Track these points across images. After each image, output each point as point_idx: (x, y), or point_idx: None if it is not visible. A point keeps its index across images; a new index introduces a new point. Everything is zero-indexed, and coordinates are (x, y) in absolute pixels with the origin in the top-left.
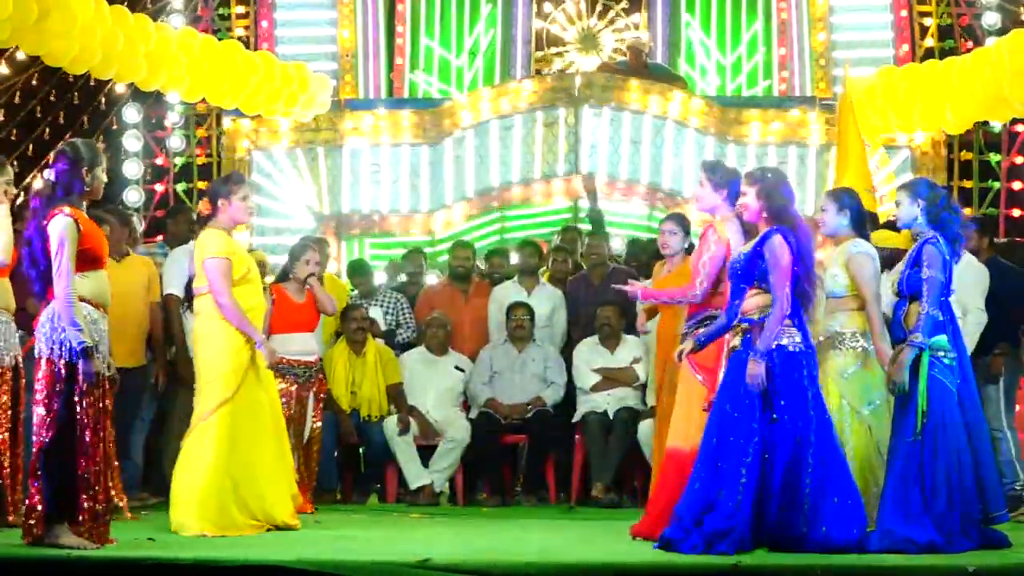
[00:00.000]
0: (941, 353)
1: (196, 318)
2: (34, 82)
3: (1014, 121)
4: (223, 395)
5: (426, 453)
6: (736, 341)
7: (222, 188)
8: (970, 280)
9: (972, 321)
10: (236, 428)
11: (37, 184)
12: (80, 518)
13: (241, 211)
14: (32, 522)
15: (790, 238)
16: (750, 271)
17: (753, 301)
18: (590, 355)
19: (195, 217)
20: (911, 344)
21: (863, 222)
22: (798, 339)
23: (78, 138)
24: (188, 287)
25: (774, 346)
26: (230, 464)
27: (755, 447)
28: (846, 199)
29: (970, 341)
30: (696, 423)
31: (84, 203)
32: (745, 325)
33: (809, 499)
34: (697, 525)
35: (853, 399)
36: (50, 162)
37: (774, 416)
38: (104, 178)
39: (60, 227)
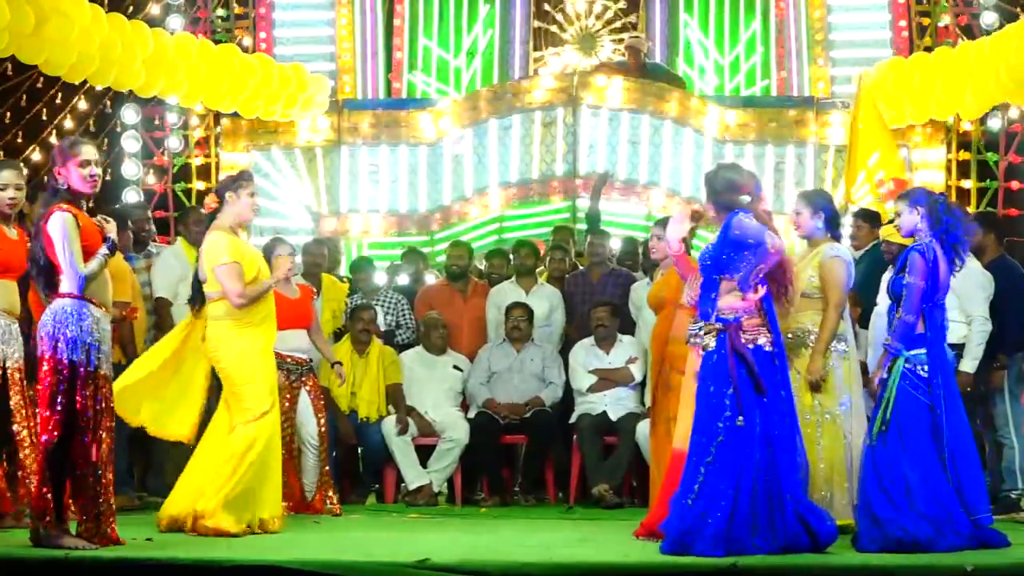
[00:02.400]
0: (918, 367)
1: (210, 323)
2: (39, 85)
3: (1011, 121)
4: (263, 406)
5: (424, 453)
6: (711, 342)
7: (231, 183)
8: (974, 287)
9: (976, 330)
10: (272, 434)
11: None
12: (79, 518)
13: (247, 208)
14: (35, 523)
15: (751, 215)
16: (717, 260)
17: (728, 300)
18: (586, 357)
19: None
20: (885, 346)
21: (838, 224)
22: (771, 338)
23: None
24: (197, 288)
25: (751, 346)
26: (262, 465)
27: (720, 447)
28: (820, 201)
29: (976, 350)
30: None
31: (83, 202)
32: (719, 325)
33: (795, 499)
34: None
35: (824, 399)
36: None
37: (740, 419)
38: (82, 172)
39: (58, 223)
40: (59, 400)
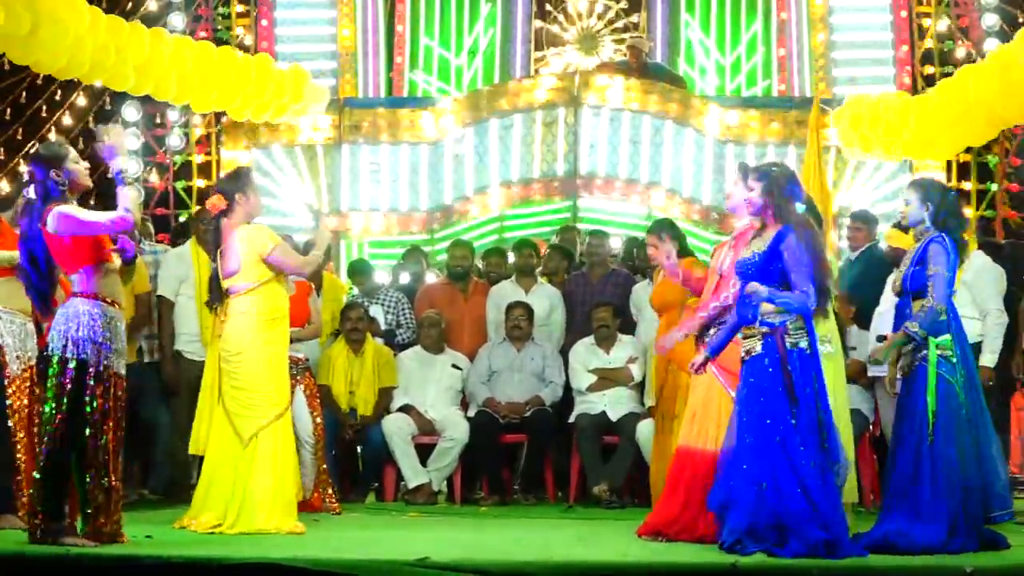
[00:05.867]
0: (948, 352)
1: (231, 318)
2: (39, 81)
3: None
4: (279, 407)
5: (424, 452)
6: (756, 346)
7: (237, 183)
8: (987, 281)
9: (992, 323)
10: (291, 430)
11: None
12: (81, 516)
13: (257, 206)
14: (35, 520)
15: (804, 236)
16: (767, 271)
17: (770, 305)
18: (586, 356)
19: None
20: (906, 330)
21: (818, 223)
22: (808, 342)
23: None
24: (215, 286)
25: (794, 349)
26: (290, 463)
27: (775, 448)
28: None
29: (995, 343)
30: (716, 425)
31: (74, 200)
32: (765, 329)
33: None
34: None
35: None
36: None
37: (794, 421)
38: (79, 167)
39: (60, 214)
40: (65, 399)
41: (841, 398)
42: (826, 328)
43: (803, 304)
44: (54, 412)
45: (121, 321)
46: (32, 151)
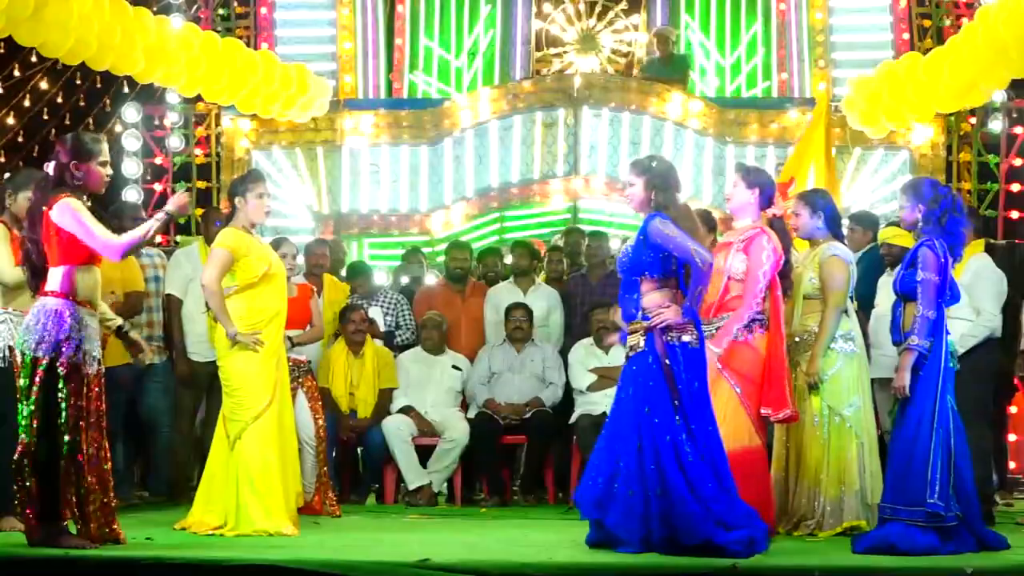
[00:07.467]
0: (924, 354)
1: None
2: (43, 85)
3: (1012, 123)
4: (260, 405)
5: (424, 453)
6: (640, 342)
7: (239, 187)
8: (985, 284)
9: (979, 323)
10: (275, 430)
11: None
12: (73, 517)
13: (257, 210)
14: (31, 522)
15: (665, 216)
16: (639, 262)
17: (652, 297)
18: (585, 357)
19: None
20: (911, 348)
21: (838, 223)
22: (696, 335)
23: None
24: None
25: (678, 343)
26: (277, 463)
27: (667, 448)
28: (820, 201)
29: (968, 341)
30: (723, 424)
31: (83, 196)
32: (646, 323)
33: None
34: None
35: (833, 401)
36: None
37: (677, 418)
38: (103, 171)
39: (68, 207)
40: (36, 399)
41: (867, 397)
42: (848, 326)
43: (701, 269)
44: (32, 414)
45: (94, 320)
46: (69, 134)
